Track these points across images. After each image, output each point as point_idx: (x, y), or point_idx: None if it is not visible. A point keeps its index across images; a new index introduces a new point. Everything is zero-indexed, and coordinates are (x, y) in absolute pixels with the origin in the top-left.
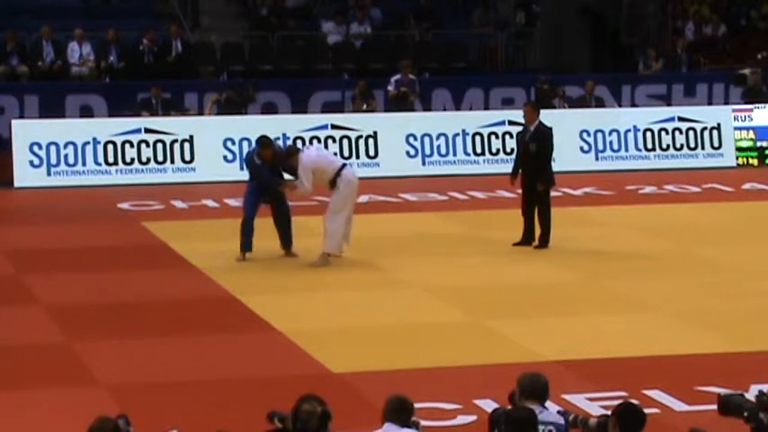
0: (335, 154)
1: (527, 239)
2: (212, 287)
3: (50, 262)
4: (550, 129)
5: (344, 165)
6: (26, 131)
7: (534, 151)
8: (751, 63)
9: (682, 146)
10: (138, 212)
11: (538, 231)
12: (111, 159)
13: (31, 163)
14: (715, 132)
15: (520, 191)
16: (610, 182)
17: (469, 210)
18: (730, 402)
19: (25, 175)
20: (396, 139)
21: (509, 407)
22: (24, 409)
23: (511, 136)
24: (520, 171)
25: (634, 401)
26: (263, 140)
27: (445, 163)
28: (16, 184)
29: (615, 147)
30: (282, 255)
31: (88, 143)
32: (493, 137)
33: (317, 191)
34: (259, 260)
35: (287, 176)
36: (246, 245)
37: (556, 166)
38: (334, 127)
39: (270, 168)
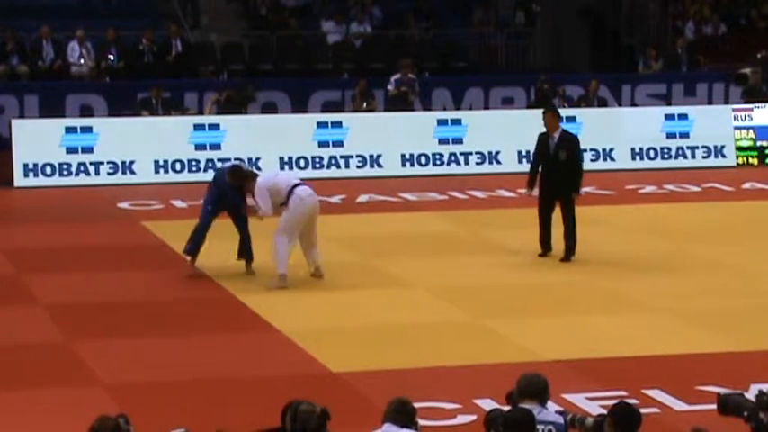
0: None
1: (549, 248)
2: (212, 287)
3: (50, 262)
4: (576, 136)
5: (299, 184)
6: (26, 131)
7: (565, 159)
8: (751, 62)
9: (682, 146)
10: (138, 212)
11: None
12: (111, 159)
13: (32, 163)
14: (715, 132)
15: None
16: (610, 181)
17: (469, 209)
18: (730, 402)
19: (25, 174)
20: (396, 138)
21: (506, 407)
22: (24, 409)
23: None
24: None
25: (630, 401)
26: (234, 170)
27: (446, 162)
28: (16, 183)
29: (615, 147)
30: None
31: (88, 143)
32: None
33: None
34: (259, 260)
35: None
36: (192, 250)
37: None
38: (333, 125)
39: (237, 190)
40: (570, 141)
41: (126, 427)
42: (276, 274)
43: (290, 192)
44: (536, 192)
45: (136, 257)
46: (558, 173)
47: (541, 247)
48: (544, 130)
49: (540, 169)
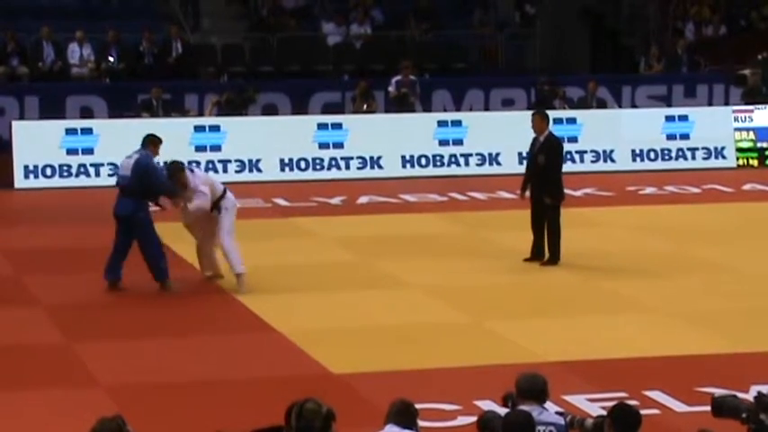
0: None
1: (537, 255)
2: (212, 287)
3: (50, 263)
4: (560, 140)
5: (226, 188)
6: (26, 132)
7: (543, 163)
8: (751, 64)
9: (682, 147)
10: None
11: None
12: (111, 160)
13: (32, 164)
14: (715, 133)
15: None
16: (610, 183)
17: (470, 211)
18: (725, 404)
19: (26, 176)
20: (396, 139)
21: (500, 409)
22: (24, 409)
23: None
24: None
25: (629, 402)
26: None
27: (446, 164)
28: (17, 185)
29: (615, 148)
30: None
31: (88, 144)
32: None
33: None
34: (259, 260)
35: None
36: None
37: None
38: (334, 127)
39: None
40: (551, 145)
41: (124, 428)
42: (240, 275)
43: (223, 195)
44: (528, 194)
45: (135, 258)
46: (537, 176)
47: (531, 252)
48: None
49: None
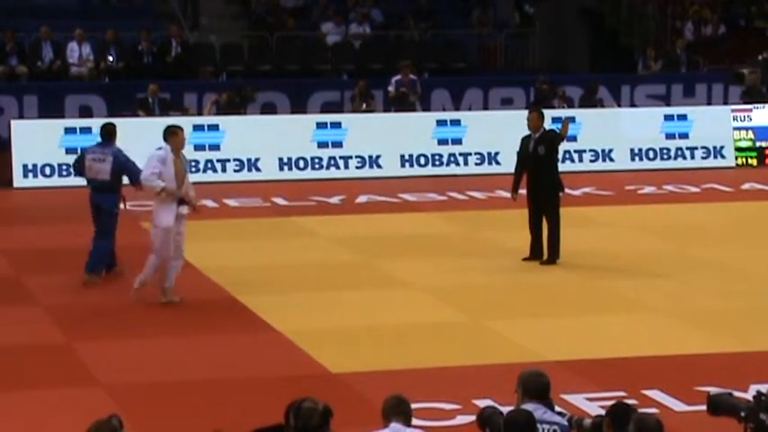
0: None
1: (536, 254)
2: (212, 287)
3: (50, 262)
4: (558, 133)
5: None
6: (25, 132)
7: (543, 154)
8: (750, 63)
9: (681, 146)
10: (138, 212)
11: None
12: None
13: (31, 163)
14: (714, 132)
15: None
16: (609, 182)
17: (469, 210)
18: (722, 402)
19: (25, 175)
20: (395, 138)
21: (496, 406)
22: (24, 409)
23: None
24: (522, 185)
25: (628, 401)
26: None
27: (445, 163)
28: (16, 184)
29: (614, 147)
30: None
31: (87, 143)
32: None
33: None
34: (257, 260)
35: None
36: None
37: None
38: (333, 126)
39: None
40: (549, 137)
41: (119, 428)
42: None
43: None
44: (522, 191)
45: (135, 258)
46: (539, 169)
47: (530, 252)
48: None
49: (524, 171)
